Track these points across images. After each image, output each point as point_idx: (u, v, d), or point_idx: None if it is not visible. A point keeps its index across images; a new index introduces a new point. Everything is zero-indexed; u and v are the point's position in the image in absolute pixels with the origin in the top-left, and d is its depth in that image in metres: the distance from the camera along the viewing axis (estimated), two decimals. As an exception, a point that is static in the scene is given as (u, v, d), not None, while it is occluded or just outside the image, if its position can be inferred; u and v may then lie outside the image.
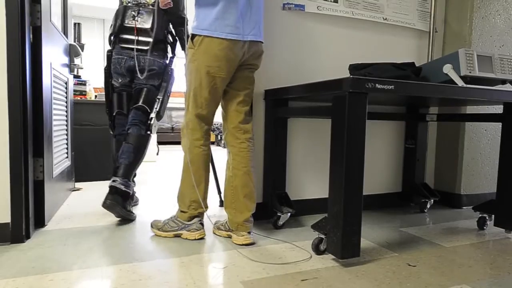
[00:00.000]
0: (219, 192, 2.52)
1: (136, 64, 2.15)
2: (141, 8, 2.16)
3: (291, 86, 1.85)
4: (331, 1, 2.21)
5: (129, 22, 2.15)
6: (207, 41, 1.61)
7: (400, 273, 1.45)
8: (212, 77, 1.65)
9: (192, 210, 1.77)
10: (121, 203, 1.98)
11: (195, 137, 1.74)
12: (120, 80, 2.21)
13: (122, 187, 2.01)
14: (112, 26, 2.22)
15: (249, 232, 1.74)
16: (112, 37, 2.22)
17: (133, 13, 2.15)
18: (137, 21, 2.15)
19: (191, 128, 1.74)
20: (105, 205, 1.95)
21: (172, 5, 2.04)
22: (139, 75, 2.17)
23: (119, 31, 2.18)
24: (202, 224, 1.80)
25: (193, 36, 1.65)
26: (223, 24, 1.59)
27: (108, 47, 2.27)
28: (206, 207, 1.80)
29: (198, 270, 1.43)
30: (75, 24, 3.77)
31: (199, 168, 1.74)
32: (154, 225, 1.86)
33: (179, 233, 1.79)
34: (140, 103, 2.17)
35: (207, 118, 1.75)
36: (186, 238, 1.77)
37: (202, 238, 1.78)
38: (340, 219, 1.44)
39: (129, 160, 2.07)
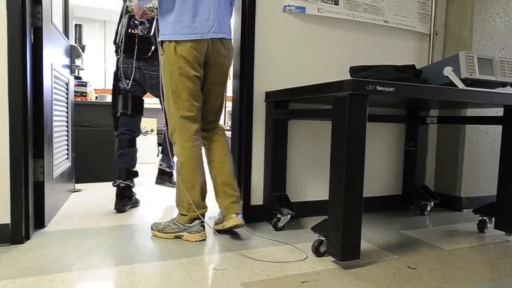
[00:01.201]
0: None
1: (141, 78, 2.32)
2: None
3: (292, 88, 1.85)
4: (331, 4, 2.21)
5: (132, 31, 2.24)
6: (172, 45, 1.69)
7: (400, 276, 1.44)
8: (186, 77, 1.71)
9: (192, 212, 1.77)
10: (168, 180, 2.65)
11: (184, 139, 1.76)
12: (127, 82, 2.32)
13: (167, 169, 2.62)
14: (118, 35, 2.32)
15: (237, 214, 1.78)
16: (119, 46, 2.33)
17: (136, 22, 2.24)
18: (139, 29, 2.24)
19: (178, 131, 1.77)
20: (158, 183, 2.64)
21: (150, 16, 2.18)
22: (149, 90, 2.39)
23: (124, 40, 2.26)
24: (203, 226, 1.81)
25: (162, 43, 1.73)
26: (180, 27, 1.67)
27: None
28: (205, 207, 1.82)
29: (198, 271, 1.43)
30: (76, 25, 3.78)
31: (192, 170, 1.76)
32: (154, 227, 1.86)
33: (179, 234, 1.79)
34: None
35: (192, 118, 1.77)
36: (187, 240, 1.78)
37: (203, 240, 1.78)
38: (340, 221, 1.44)
39: (167, 149, 2.54)
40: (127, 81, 2.31)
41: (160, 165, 2.63)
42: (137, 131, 2.42)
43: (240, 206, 1.84)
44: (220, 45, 1.75)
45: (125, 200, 2.32)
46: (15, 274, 1.36)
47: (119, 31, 2.32)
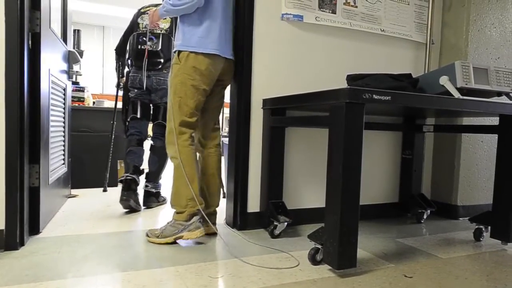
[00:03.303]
0: (222, 186, 2.84)
1: (149, 84, 2.53)
2: (149, 34, 2.52)
3: (289, 96, 1.86)
4: (329, 12, 2.23)
5: (141, 47, 2.51)
6: (192, 57, 1.80)
7: (397, 285, 1.44)
8: (196, 89, 1.84)
9: (190, 208, 1.81)
10: (155, 201, 2.64)
11: (183, 139, 1.86)
12: (136, 91, 2.57)
13: (154, 190, 2.62)
14: (128, 51, 2.62)
15: (214, 223, 1.98)
16: (129, 60, 2.62)
17: (144, 38, 2.51)
18: (149, 45, 2.50)
19: (177, 132, 1.85)
20: (145, 205, 2.59)
21: (159, 28, 2.51)
22: (152, 94, 2.57)
23: (134, 55, 2.53)
24: (201, 222, 1.83)
25: (179, 52, 1.84)
26: (207, 42, 1.81)
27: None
28: (203, 202, 1.87)
29: (194, 279, 1.42)
30: (74, 30, 3.78)
31: (191, 166, 1.85)
32: (150, 233, 1.86)
33: (179, 235, 1.79)
34: (159, 120, 2.59)
35: (192, 124, 1.89)
36: (188, 239, 1.80)
37: (203, 236, 1.83)
38: (336, 230, 1.44)
39: (155, 167, 2.60)
40: (135, 90, 2.55)
41: (146, 186, 2.61)
42: (145, 134, 2.63)
43: (216, 216, 2.05)
44: (229, 65, 1.96)
45: (130, 192, 2.43)
46: (8, 280, 1.35)
47: (128, 48, 2.60)
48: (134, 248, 1.75)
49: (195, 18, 1.82)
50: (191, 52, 1.80)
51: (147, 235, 1.86)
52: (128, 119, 2.58)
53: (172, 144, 1.85)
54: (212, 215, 2.02)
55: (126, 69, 2.75)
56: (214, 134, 2.05)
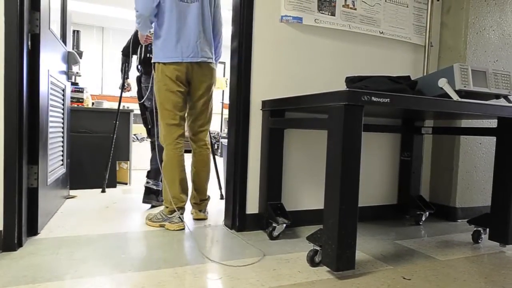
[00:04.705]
0: (220, 188, 3.00)
1: None
2: None
3: (288, 97, 1.86)
4: (328, 14, 2.24)
5: (149, 55, 2.64)
6: (160, 66, 2.07)
7: (395, 287, 1.44)
8: (170, 92, 2.07)
9: (172, 205, 2.09)
10: (155, 199, 2.65)
11: (168, 142, 2.12)
12: (150, 103, 2.66)
13: (154, 187, 2.65)
14: (137, 58, 2.78)
15: (200, 210, 2.31)
16: (138, 67, 2.76)
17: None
18: None
19: (164, 136, 2.13)
20: (145, 202, 2.64)
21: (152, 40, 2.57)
22: None
23: (143, 63, 2.70)
24: (181, 218, 2.10)
25: (154, 64, 2.11)
26: (165, 52, 2.06)
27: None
28: (184, 200, 2.14)
29: (192, 281, 1.42)
30: (74, 31, 3.78)
31: (174, 168, 2.10)
32: (147, 216, 2.22)
33: (163, 223, 2.12)
34: None
35: (176, 125, 2.11)
36: (167, 229, 2.08)
37: (181, 230, 2.07)
38: (335, 231, 1.44)
39: (157, 166, 2.60)
40: (150, 103, 2.64)
41: (147, 183, 2.64)
42: None
43: (205, 205, 2.34)
44: (199, 67, 2.10)
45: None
46: (6, 282, 1.34)
47: (137, 57, 2.77)
48: (133, 249, 1.75)
49: (157, 31, 2.07)
50: (159, 62, 2.06)
51: (146, 217, 2.23)
52: (149, 127, 2.80)
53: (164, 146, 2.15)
54: (205, 200, 2.32)
55: (136, 72, 2.81)
56: (199, 136, 2.26)
